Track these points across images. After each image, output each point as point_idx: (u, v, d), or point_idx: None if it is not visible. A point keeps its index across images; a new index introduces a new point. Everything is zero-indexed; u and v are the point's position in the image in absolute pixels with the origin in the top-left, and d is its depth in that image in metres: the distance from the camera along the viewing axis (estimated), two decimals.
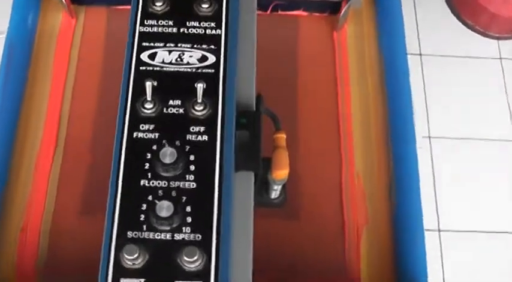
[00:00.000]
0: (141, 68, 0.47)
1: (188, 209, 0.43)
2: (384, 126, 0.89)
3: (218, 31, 0.49)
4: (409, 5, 1.65)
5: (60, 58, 0.90)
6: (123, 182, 0.44)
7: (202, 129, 0.46)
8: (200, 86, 0.45)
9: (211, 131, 0.46)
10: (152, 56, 0.48)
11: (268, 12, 0.97)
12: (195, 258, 0.41)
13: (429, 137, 1.49)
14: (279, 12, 0.97)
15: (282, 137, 0.56)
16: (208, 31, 0.49)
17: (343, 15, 0.95)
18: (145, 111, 0.46)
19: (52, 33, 0.91)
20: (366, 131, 0.90)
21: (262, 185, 0.59)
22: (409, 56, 1.54)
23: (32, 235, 0.82)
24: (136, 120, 0.46)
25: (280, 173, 0.54)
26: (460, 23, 1.55)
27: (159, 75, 0.47)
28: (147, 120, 0.46)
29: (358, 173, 0.87)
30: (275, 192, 0.60)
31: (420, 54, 1.57)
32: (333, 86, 0.96)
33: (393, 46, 0.96)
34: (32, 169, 0.85)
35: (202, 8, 0.49)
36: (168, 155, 0.43)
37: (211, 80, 0.47)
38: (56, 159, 0.85)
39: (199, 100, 0.46)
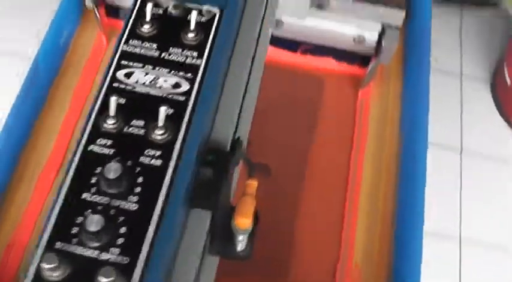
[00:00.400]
0: (114, 84, 0.47)
1: (122, 230, 0.42)
2: (391, 217, 0.86)
3: (198, 61, 0.48)
4: (456, 97, 1.63)
5: (83, 84, 0.92)
6: (66, 192, 0.43)
7: (157, 153, 0.44)
8: (163, 109, 0.44)
9: (166, 158, 0.44)
10: (128, 75, 0.48)
11: (298, 54, 0.99)
12: (111, 280, 0.38)
13: (459, 239, 1.43)
14: (308, 55, 0.99)
15: (252, 184, 0.53)
16: (188, 60, 0.48)
17: (370, 72, 0.94)
18: (106, 126, 0.45)
19: (81, 58, 0.94)
20: (372, 220, 0.87)
21: (227, 235, 0.56)
22: (449, 150, 1.51)
23: (16, 255, 0.82)
24: (96, 133, 0.45)
25: (243, 221, 0.52)
26: (506, 124, 1.51)
27: (129, 94, 0.47)
28: (106, 135, 0.45)
29: (357, 262, 0.84)
30: (241, 243, 0.57)
31: (461, 149, 1.54)
32: (346, 155, 0.94)
33: (415, 124, 0.94)
34: (32, 188, 0.85)
35: (188, 36, 0.49)
36: (112, 170, 0.42)
37: (178, 107, 0.46)
38: (56, 181, 0.86)
39: (161, 124, 0.45)
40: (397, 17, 0.91)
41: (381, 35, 0.93)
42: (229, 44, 0.52)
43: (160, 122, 0.45)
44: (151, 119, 0.45)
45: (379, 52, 0.94)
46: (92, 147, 0.45)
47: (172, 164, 0.44)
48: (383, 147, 0.94)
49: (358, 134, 0.96)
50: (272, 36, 1.00)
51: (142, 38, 0.49)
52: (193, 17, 0.48)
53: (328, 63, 0.99)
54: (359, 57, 0.98)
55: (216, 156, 0.49)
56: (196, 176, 0.48)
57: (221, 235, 0.54)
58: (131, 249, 0.41)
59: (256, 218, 0.55)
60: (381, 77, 0.99)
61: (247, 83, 0.58)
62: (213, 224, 0.51)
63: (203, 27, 0.50)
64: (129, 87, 0.47)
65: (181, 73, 0.48)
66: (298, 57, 1.00)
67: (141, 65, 0.48)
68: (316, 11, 0.92)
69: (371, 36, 0.94)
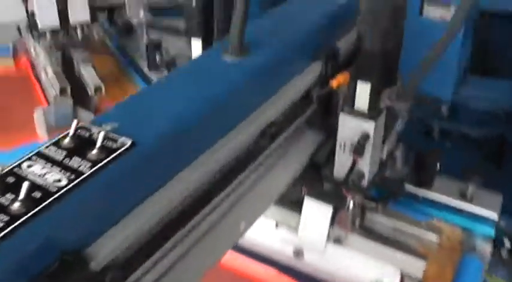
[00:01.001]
0: (15, 169, 0.57)
1: None
2: None
3: (86, 170, 0.56)
4: None
5: None
6: None
7: (5, 219, 0.51)
8: (25, 185, 0.52)
9: (7, 224, 0.51)
10: (29, 166, 0.57)
11: None
12: None
13: None
14: None
15: None
16: (80, 167, 0.57)
17: None
18: None
19: None
20: None
21: None
22: None
23: None
24: None
25: None
26: None
27: (20, 178, 0.56)
28: None
29: None
30: None
31: None
32: None
33: None
34: None
35: (93, 153, 0.58)
36: None
37: (46, 194, 0.54)
38: None
39: (21, 197, 0.52)
40: (416, 267, 0.87)
41: None
42: (139, 179, 0.60)
43: (21, 195, 0.52)
44: (21, 198, 0.53)
45: None
46: None
47: (7, 230, 0.50)
48: None
49: None
50: (293, 269, 1.02)
51: (59, 147, 0.60)
52: (100, 138, 0.58)
53: None
54: None
55: (72, 261, 0.53)
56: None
57: None
58: None
59: None
60: None
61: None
62: None
63: (109, 150, 0.59)
64: (23, 174, 0.57)
65: (67, 174, 0.56)
66: None
67: (44, 162, 0.58)
68: (334, 246, 0.93)
69: None
